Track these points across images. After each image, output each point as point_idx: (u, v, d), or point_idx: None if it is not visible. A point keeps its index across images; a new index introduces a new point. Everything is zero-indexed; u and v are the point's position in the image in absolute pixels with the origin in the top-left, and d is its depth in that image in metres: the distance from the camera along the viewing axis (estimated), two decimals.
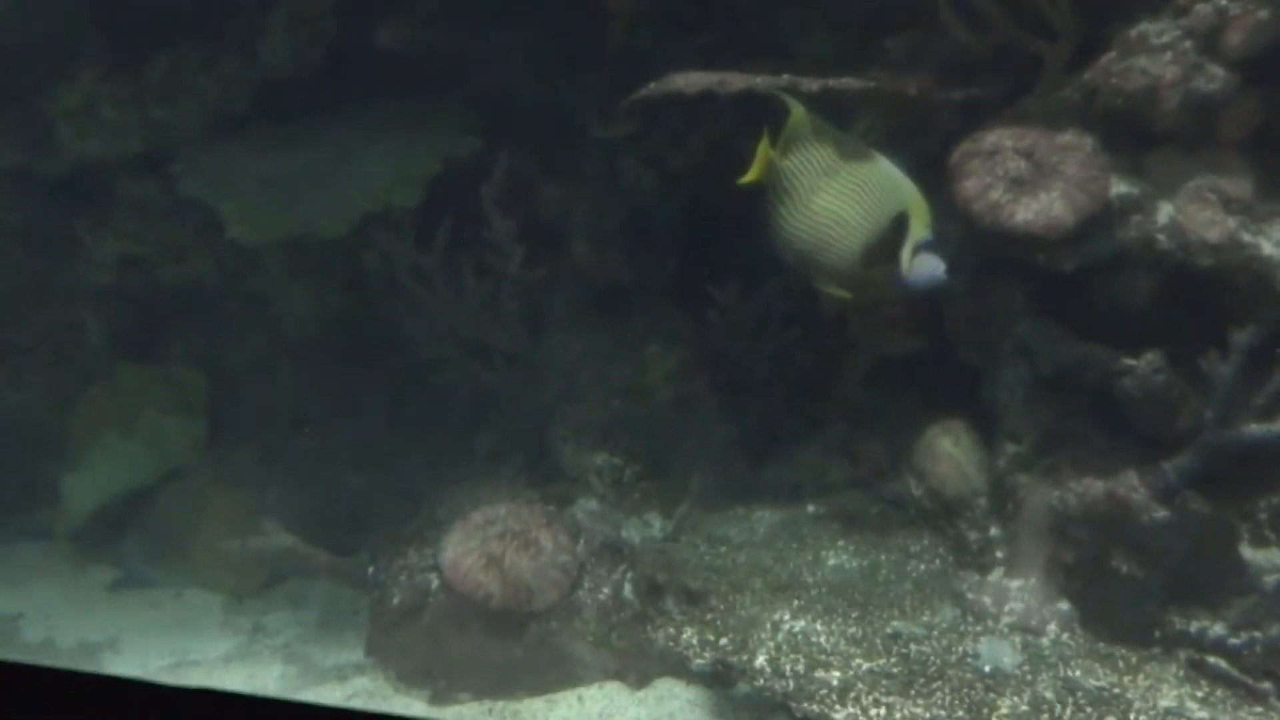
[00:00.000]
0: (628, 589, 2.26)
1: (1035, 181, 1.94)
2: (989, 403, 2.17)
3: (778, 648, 1.76)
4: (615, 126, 2.61)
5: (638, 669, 2.18)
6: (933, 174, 2.29)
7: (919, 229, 1.66)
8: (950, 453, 2.20)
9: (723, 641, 1.79)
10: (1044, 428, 2.08)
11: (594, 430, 2.62)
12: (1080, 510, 1.94)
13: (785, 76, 2.00)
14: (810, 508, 2.24)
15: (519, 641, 2.19)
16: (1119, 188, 1.93)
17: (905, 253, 1.68)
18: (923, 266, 1.68)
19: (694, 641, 1.79)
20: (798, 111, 1.75)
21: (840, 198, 1.71)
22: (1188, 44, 1.88)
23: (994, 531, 2.09)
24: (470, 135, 2.54)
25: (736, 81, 2.02)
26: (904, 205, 1.70)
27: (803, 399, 2.53)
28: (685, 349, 2.70)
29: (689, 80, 2.09)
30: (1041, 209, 1.91)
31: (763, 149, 1.78)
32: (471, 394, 2.64)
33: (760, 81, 2.01)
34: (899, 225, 1.67)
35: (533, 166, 2.63)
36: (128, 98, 2.27)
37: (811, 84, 1.99)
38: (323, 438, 2.70)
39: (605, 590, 2.25)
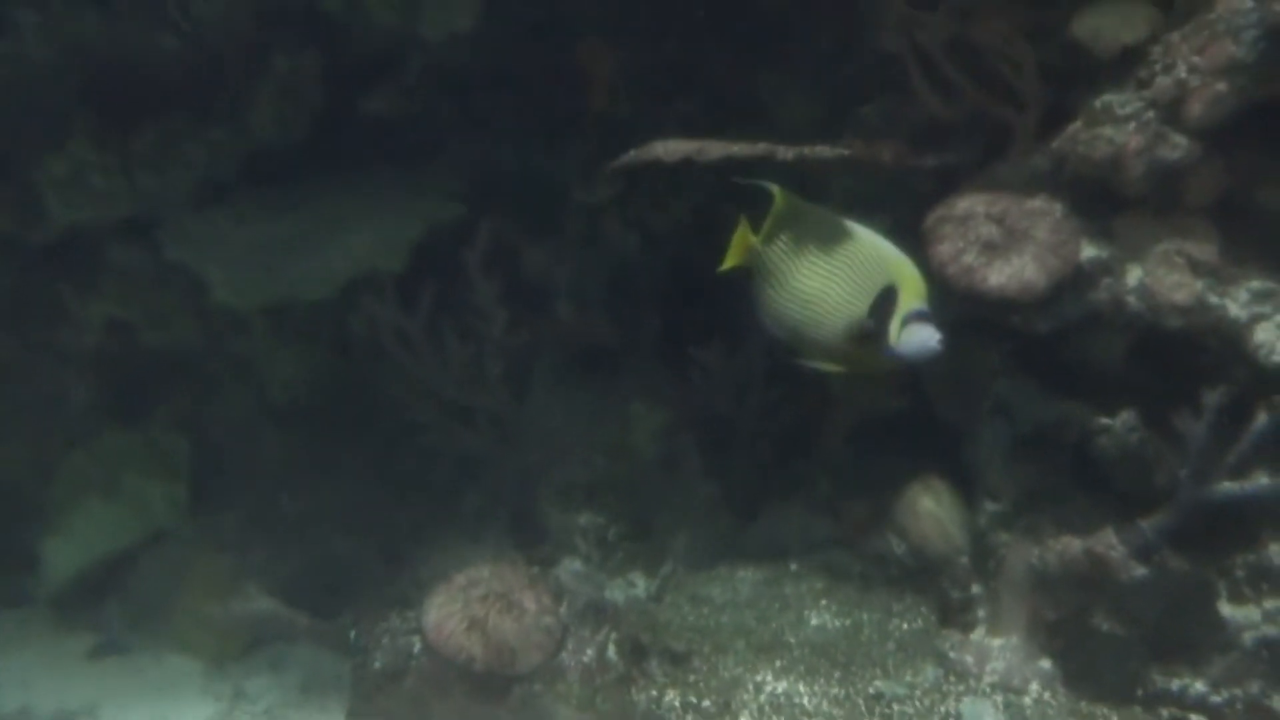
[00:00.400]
0: (611, 650, 2.25)
1: (1007, 245, 1.99)
2: (969, 461, 2.19)
3: (760, 710, 1.75)
4: (598, 190, 2.66)
5: None
6: (908, 239, 2.36)
7: (909, 300, 1.68)
8: (932, 511, 2.21)
9: (705, 704, 1.78)
10: (1024, 486, 2.11)
11: (578, 490, 2.63)
12: (1060, 569, 1.95)
13: (761, 145, 2.06)
14: (793, 565, 2.24)
15: (502, 704, 2.18)
16: (1089, 251, 1.97)
17: (893, 325, 1.69)
18: (913, 337, 1.68)
19: (676, 704, 1.79)
20: (781, 198, 1.79)
21: (825, 278, 1.74)
22: (1150, 114, 1.94)
23: (976, 589, 2.10)
24: (454, 201, 2.59)
25: (715, 149, 2.07)
26: (891, 278, 1.72)
27: (787, 457, 2.55)
28: (669, 408, 2.72)
29: (668, 148, 2.14)
30: (1014, 272, 1.96)
31: (741, 235, 1.82)
32: (457, 456, 2.66)
33: (738, 149, 2.06)
34: (886, 298, 1.69)
35: (517, 230, 2.68)
36: (115, 166, 2.31)
37: (787, 152, 2.04)
38: (308, 501, 2.70)
39: (589, 652, 2.24)
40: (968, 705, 1.76)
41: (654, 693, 1.85)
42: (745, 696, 1.78)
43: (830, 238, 1.75)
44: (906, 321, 1.66)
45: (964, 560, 2.15)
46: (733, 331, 2.50)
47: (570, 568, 2.43)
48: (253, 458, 2.71)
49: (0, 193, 2.34)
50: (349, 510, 2.72)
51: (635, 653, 2.22)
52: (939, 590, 2.15)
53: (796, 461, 2.56)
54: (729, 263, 1.81)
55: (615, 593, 2.41)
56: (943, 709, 1.75)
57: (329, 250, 2.34)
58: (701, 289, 2.79)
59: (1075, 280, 1.97)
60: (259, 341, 2.60)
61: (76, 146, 2.28)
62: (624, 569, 2.49)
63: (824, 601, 2.07)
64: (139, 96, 2.32)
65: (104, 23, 2.20)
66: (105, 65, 2.24)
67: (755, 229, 1.82)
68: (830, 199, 2.40)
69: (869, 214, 2.35)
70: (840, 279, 1.72)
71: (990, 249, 2.00)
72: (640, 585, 2.45)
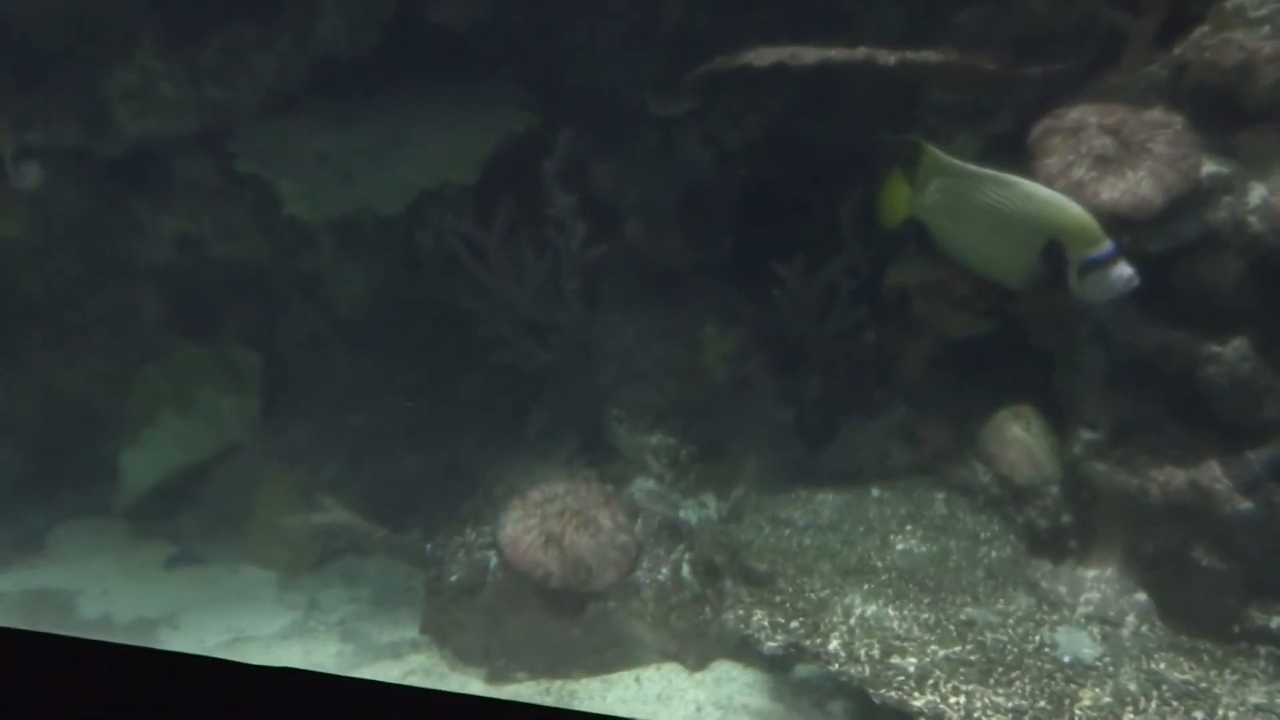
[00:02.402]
0: (686, 570, 2.23)
1: (1122, 159, 1.87)
2: (1063, 388, 2.11)
3: (850, 632, 1.72)
4: (674, 104, 2.56)
5: (696, 650, 2.15)
6: (1007, 152, 2.25)
7: (1079, 249, 1.65)
8: (1020, 438, 2.15)
9: (794, 625, 1.75)
10: (1120, 415, 2.03)
11: (649, 411, 2.59)
12: (1162, 500, 1.88)
13: (861, 49, 1.95)
14: (875, 491, 2.19)
15: (577, 621, 2.17)
16: (1209, 167, 1.86)
17: (1071, 279, 1.67)
18: (1096, 285, 1.68)
19: (765, 624, 1.76)
20: (928, 153, 1.72)
21: (982, 235, 1.72)
22: None
23: (1066, 519, 2.04)
24: (525, 112, 2.50)
25: (809, 55, 1.97)
26: (1054, 232, 1.68)
27: (864, 381, 2.48)
28: (742, 330, 2.66)
29: (758, 54, 2.04)
30: (1129, 188, 1.85)
31: (898, 190, 1.76)
32: (524, 373, 2.62)
33: (834, 54, 1.96)
34: (1054, 254, 1.67)
35: (584, 145, 2.59)
36: (184, 77, 2.25)
37: (888, 57, 1.93)
38: (375, 417, 2.69)
39: (664, 571, 2.22)
40: (1063, 635, 1.71)
41: (740, 612, 1.82)
42: (834, 619, 1.75)
43: (979, 195, 1.71)
44: (1084, 271, 1.64)
45: (1054, 489, 2.09)
46: (810, 251, 2.42)
47: (644, 487, 2.40)
48: (321, 373, 2.69)
49: (68, 104, 2.29)
50: (415, 426, 2.70)
51: (710, 573, 2.21)
52: (1027, 519, 2.09)
53: (873, 386, 2.49)
54: (891, 219, 1.77)
55: (688, 513, 2.39)
56: (1037, 638, 1.71)
57: (401, 163, 2.28)
58: (778, 208, 2.74)
59: (1194, 198, 1.86)
60: (326, 256, 2.56)
61: (144, 56, 2.22)
62: (696, 490, 2.46)
63: (909, 527, 2.02)
64: (205, 4, 2.24)
65: None
66: None
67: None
68: (924, 111, 2.30)
69: (967, 126, 2.27)
70: (997, 239, 1.70)
71: (1103, 162, 1.89)
72: (713, 506, 2.42)
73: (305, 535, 2.30)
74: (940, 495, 2.14)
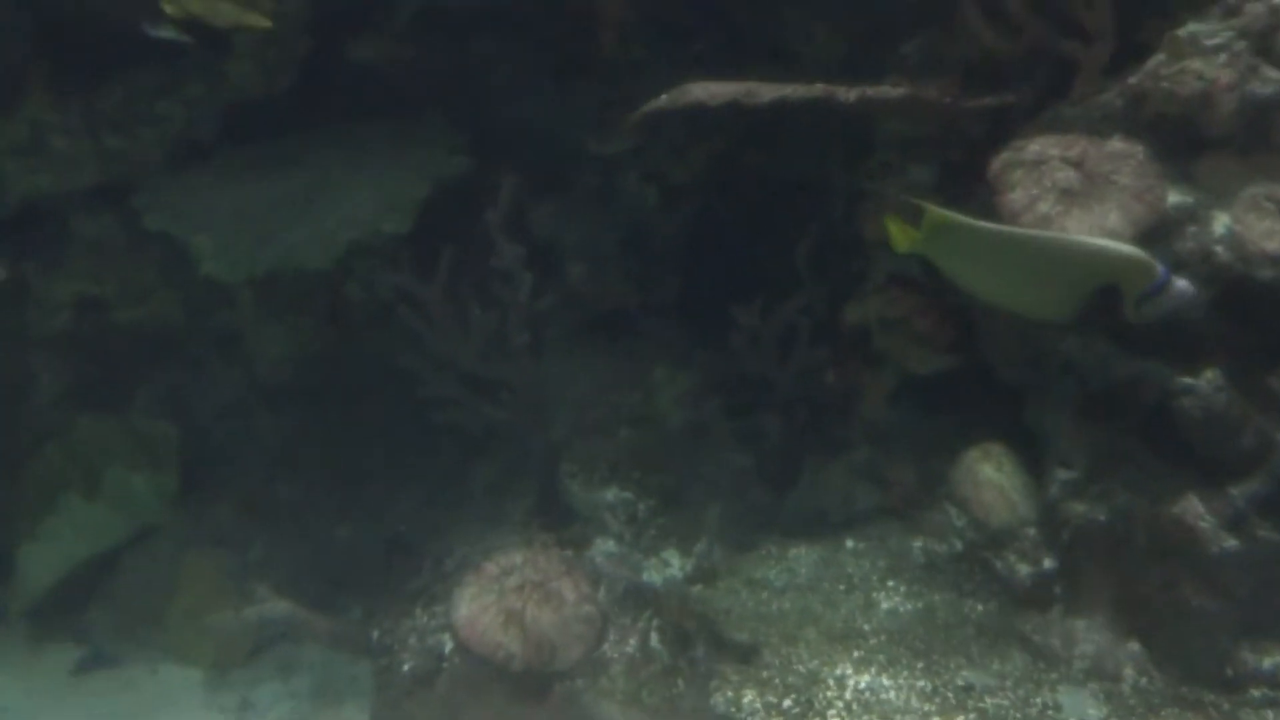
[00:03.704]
0: (654, 639, 2.09)
1: (1087, 192, 1.82)
2: (1035, 424, 2.05)
3: (848, 709, 1.61)
4: (614, 142, 2.45)
5: None
6: (961, 183, 2.20)
7: (1138, 285, 1.58)
8: (993, 479, 2.08)
9: (787, 704, 1.64)
10: (1096, 451, 1.97)
11: (602, 464, 2.46)
12: (1145, 541, 1.83)
13: (818, 85, 1.87)
14: (849, 542, 2.10)
15: (543, 705, 2.01)
16: (1173, 197, 1.82)
17: (1128, 311, 1.64)
18: (1155, 309, 1.63)
19: (757, 705, 1.64)
20: (936, 215, 1.67)
21: (1015, 285, 1.65)
22: (1242, 45, 1.79)
23: (1048, 564, 1.97)
24: (457, 155, 2.36)
25: (765, 92, 1.87)
26: (1110, 278, 1.64)
27: (824, 421, 2.40)
28: (694, 372, 2.56)
29: (710, 92, 1.94)
30: (1096, 221, 1.79)
31: (896, 230, 1.69)
32: (462, 432, 2.46)
33: (791, 92, 1.87)
34: (1108, 298, 1.61)
35: (520, 186, 2.46)
36: (79, 127, 2.04)
37: (848, 94, 1.85)
38: (304, 487, 2.49)
39: (632, 642, 2.08)
40: (1065, 695, 1.64)
41: (729, 693, 1.70)
42: (828, 694, 1.64)
43: (1004, 252, 1.64)
44: (1142, 302, 1.57)
45: (1031, 532, 2.02)
46: (763, 289, 2.33)
47: (604, 548, 2.27)
48: (243, 442, 2.48)
49: None
50: (348, 495, 2.51)
51: (680, 640, 2.07)
52: (1006, 565, 2.02)
53: (833, 425, 2.41)
54: (897, 249, 1.70)
55: (651, 574, 2.26)
56: (1039, 700, 1.63)
57: (326, 213, 2.11)
58: (725, 245, 2.64)
59: (1161, 229, 1.81)
60: (246, 315, 2.36)
61: (33, 106, 2.00)
62: (657, 547, 2.33)
63: (891, 582, 1.93)
64: (102, 48, 2.04)
65: None
66: (62, 14, 1.95)
67: None
68: (878, 143, 2.23)
69: (920, 157, 2.22)
70: (1036, 288, 1.63)
71: (1069, 196, 1.83)
72: (675, 564, 2.29)
73: (238, 631, 2.09)
74: (917, 544, 2.06)
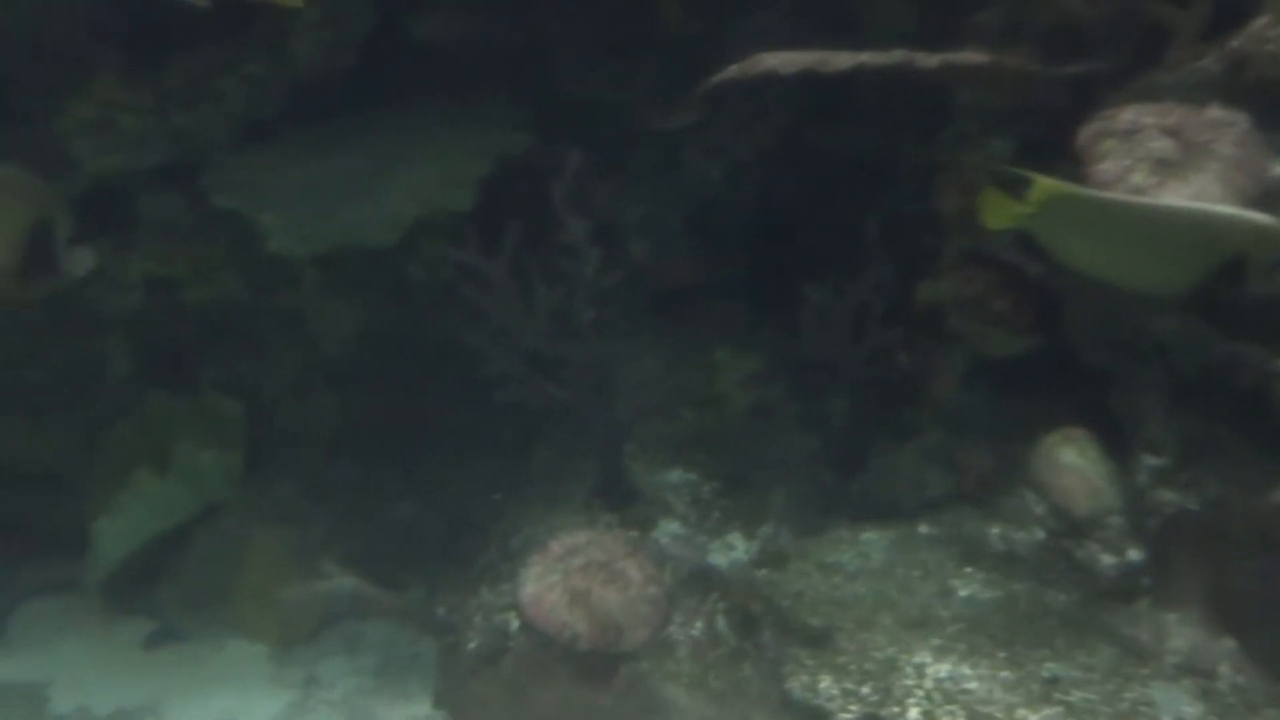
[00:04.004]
0: (721, 622, 2.06)
1: (1184, 162, 1.73)
2: (1121, 409, 1.97)
3: (929, 698, 1.56)
4: (677, 118, 2.39)
5: (737, 711, 1.99)
6: (1044, 156, 2.10)
7: (1269, 253, 1.49)
8: (1075, 465, 2.00)
9: (865, 691, 1.59)
10: (1187, 437, 1.89)
11: (666, 445, 2.43)
12: (1241, 531, 1.74)
13: (898, 52, 1.79)
14: (923, 528, 2.04)
15: (608, 687, 1.98)
16: (1278, 168, 1.72)
17: (1256, 279, 1.54)
18: None
19: (835, 692, 1.59)
20: (1048, 185, 1.59)
21: (1133, 257, 1.56)
22: None
23: (1134, 554, 1.90)
24: (520, 131, 2.32)
25: (841, 60, 1.80)
26: (1241, 248, 1.53)
27: (894, 403, 2.33)
28: (758, 353, 2.50)
29: (782, 60, 1.87)
30: (1195, 193, 1.70)
31: (995, 203, 1.60)
32: (525, 410, 2.44)
33: (868, 58, 1.79)
34: (1234, 269, 1.51)
35: (584, 161, 2.42)
36: (148, 106, 2.04)
37: (929, 60, 1.78)
38: (366, 465, 2.49)
39: (698, 625, 2.04)
40: (1158, 691, 1.56)
41: (805, 679, 1.65)
42: (907, 682, 1.59)
43: (1123, 223, 1.54)
44: (1275, 267, 1.48)
45: (1116, 520, 1.94)
46: (830, 267, 2.27)
47: (669, 530, 2.23)
48: (307, 420, 2.48)
49: (21, 141, 2.07)
50: (410, 473, 2.51)
51: (746, 624, 2.04)
52: (1088, 554, 1.95)
53: (903, 408, 2.34)
54: (992, 225, 1.61)
55: (716, 556, 2.22)
56: (1129, 695, 1.56)
57: (390, 190, 2.09)
58: (791, 222, 2.58)
59: (1264, 201, 1.71)
60: (310, 293, 2.36)
61: (102, 86, 2.00)
62: (721, 529, 2.29)
63: (968, 569, 1.87)
64: (169, 27, 2.03)
65: None
66: None
67: None
68: (954, 114, 2.15)
69: (1000, 129, 2.13)
70: (1156, 260, 1.54)
71: (1164, 166, 1.74)
72: (740, 547, 2.25)
73: (305, 606, 2.09)
74: (994, 530, 1.99)
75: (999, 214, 1.63)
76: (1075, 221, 1.57)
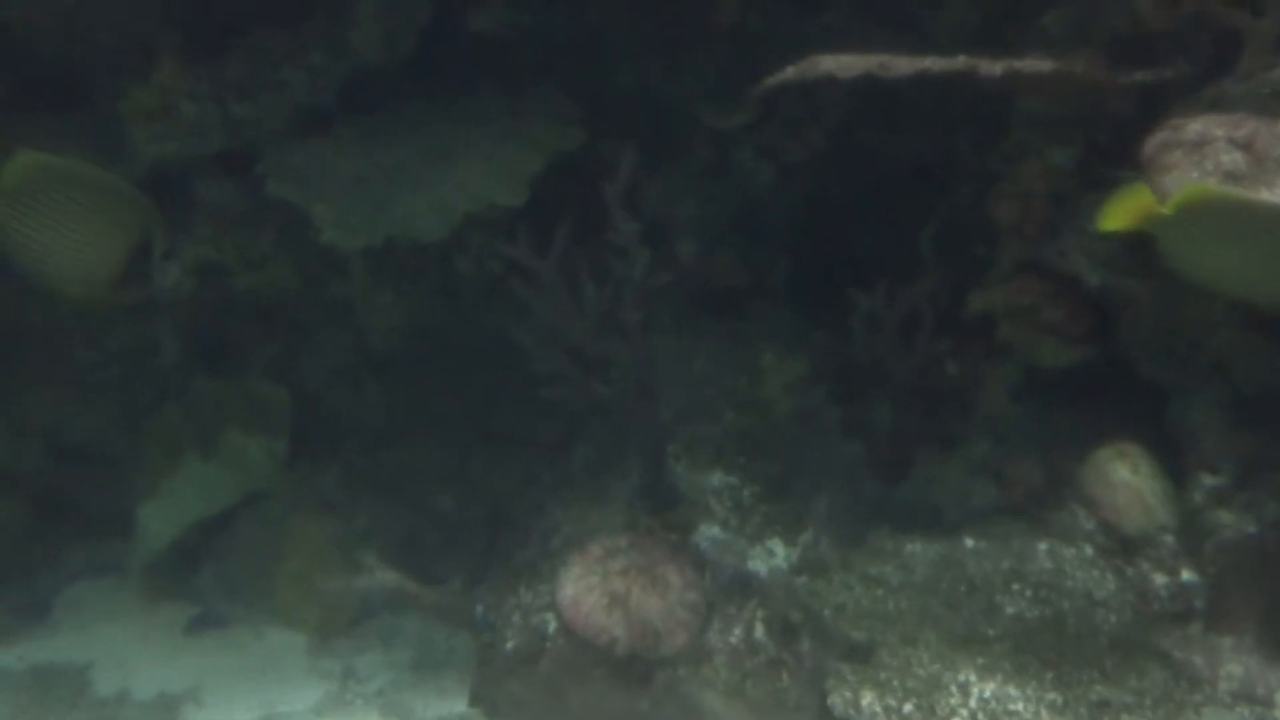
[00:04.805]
0: (760, 630, 2.04)
1: (1255, 176, 1.68)
2: (1178, 426, 1.93)
3: (973, 717, 1.53)
4: (733, 116, 2.37)
5: None
6: (1103, 165, 2.06)
7: None
8: (1128, 481, 1.96)
9: (908, 708, 1.56)
10: (1246, 457, 1.84)
11: (708, 447, 2.41)
12: None
13: (961, 58, 1.76)
14: (969, 541, 2.00)
15: (645, 692, 1.97)
16: None
17: None
18: None
19: (877, 709, 1.57)
20: (1198, 186, 1.54)
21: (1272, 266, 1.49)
22: None
23: (1186, 576, 1.85)
24: (572, 126, 2.31)
25: (902, 65, 1.77)
26: None
27: (941, 412, 2.30)
28: (804, 357, 2.48)
29: (841, 64, 1.84)
30: None
31: (1137, 201, 1.55)
32: (567, 408, 2.44)
33: (931, 64, 1.76)
34: None
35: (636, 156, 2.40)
36: (207, 94, 2.05)
37: (993, 67, 1.74)
38: (410, 456, 2.50)
39: (736, 632, 2.03)
40: (1212, 718, 1.52)
41: (847, 694, 1.63)
42: (952, 700, 1.56)
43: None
44: None
45: (1169, 539, 1.90)
46: (880, 273, 2.23)
47: (709, 534, 2.21)
48: (352, 409, 2.50)
49: (80, 126, 2.10)
50: (452, 466, 2.51)
51: (786, 633, 2.02)
52: (1139, 573, 1.90)
53: (950, 418, 2.31)
54: (1111, 225, 1.56)
55: (756, 563, 2.19)
56: None
57: (442, 183, 2.09)
58: (841, 226, 2.55)
59: None
60: (359, 284, 2.36)
61: (164, 72, 2.02)
62: (762, 535, 2.27)
63: (1015, 586, 1.83)
64: (230, 14, 2.04)
65: None
66: None
67: None
68: (1014, 122, 2.11)
69: (1061, 138, 2.09)
70: None
71: (1234, 179, 1.69)
72: (780, 554, 2.22)
73: (345, 598, 2.10)
74: (1042, 546, 1.95)
75: (1126, 215, 1.57)
76: (1218, 228, 1.50)
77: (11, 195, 1.74)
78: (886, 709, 1.56)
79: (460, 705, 2.04)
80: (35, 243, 1.76)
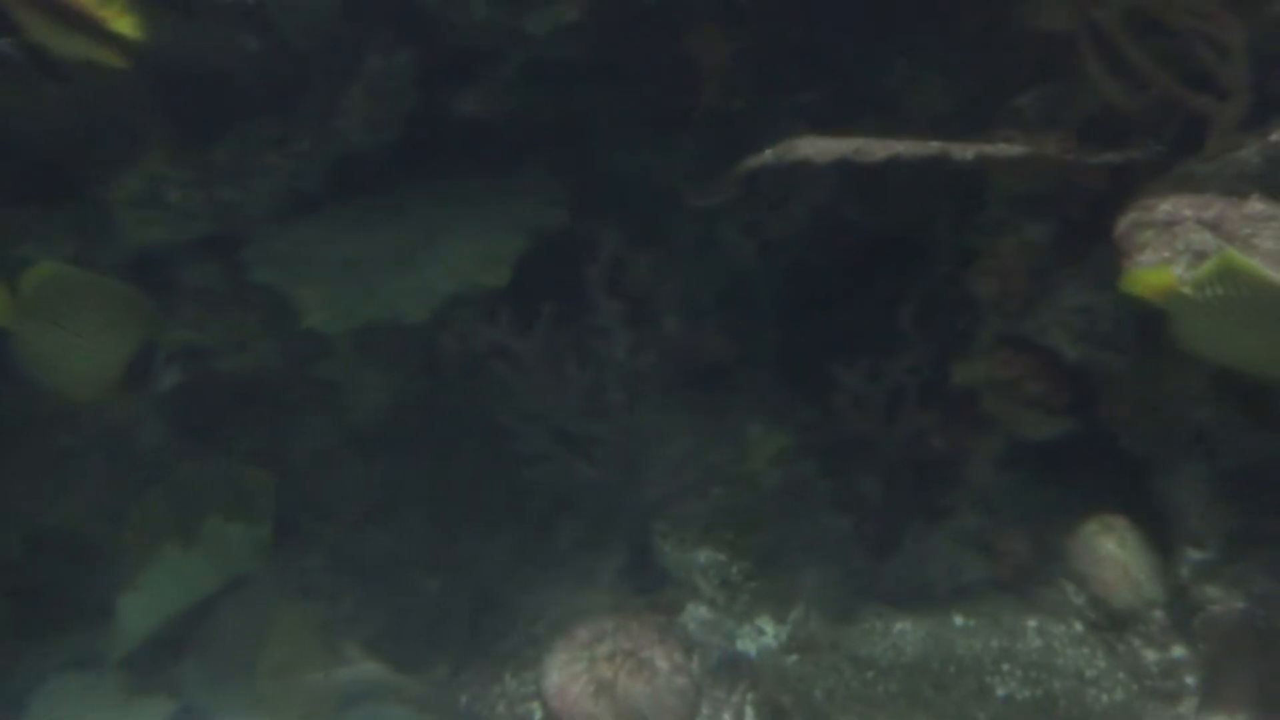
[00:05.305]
0: (750, 714, 2.01)
1: None
2: (1162, 499, 1.93)
3: None
4: (713, 195, 2.41)
5: None
6: (1079, 243, 2.09)
7: None
8: (1115, 555, 1.95)
9: None
10: (1230, 530, 1.84)
11: (695, 524, 2.39)
12: None
13: (933, 144, 1.80)
14: (958, 619, 1.98)
15: None
16: None
17: None
18: None
19: None
20: (1233, 258, 1.52)
21: None
22: None
23: (1177, 652, 1.84)
24: (556, 207, 2.34)
25: (876, 149, 1.81)
26: None
27: (928, 485, 2.30)
28: (790, 430, 2.48)
29: (817, 148, 1.88)
30: None
31: (1160, 278, 1.56)
32: (551, 486, 2.43)
33: (903, 149, 1.80)
34: None
35: (619, 237, 2.43)
36: (193, 180, 2.08)
37: (964, 151, 1.78)
38: (395, 537, 2.48)
39: (726, 717, 2.00)
40: None
41: None
42: None
43: None
44: None
45: (1158, 615, 1.89)
46: (864, 346, 2.25)
47: (696, 615, 2.19)
48: (335, 491, 2.48)
49: (67, 214, 2.12)
50: (438, 547, 2.49)
51: (776, 716, 1.99)
52: (1129, 649, 1.89)
53: (938, 491, 2.30)
54: (1138, 292, 1.57)
55: (745, 643, 2.17)
56: None
57: (427, 266, 2.10)
58: (825, 299, 2.57)
59: None
60: (344, 363, 2.37)
61: (152, 161, 2.05)
62: (751, 613, 2.24)
63: (1005, 666, 1.81)
64: (219, 104, 2.08)
65: (182, 24, 1.97)
66: (183, 71, 2.00)
67: None
68: (990, 199, 2.15)
69: (1035, 215, 2.12)
70: None
71: (1204, 259, 1.72)
72: (770, 632, 2.20)
73: (327, 691, 2.06)
74: (1032, 623, 1.94)
75: (1146, 286, 1.57)
76: (1243, 300, 1.50)
77: (28, 305, 1.79)
78: None
79: None
80: (49, 350, 1.82)
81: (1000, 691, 1.75)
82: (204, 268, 2.25)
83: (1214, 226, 1.75)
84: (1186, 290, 1.54)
